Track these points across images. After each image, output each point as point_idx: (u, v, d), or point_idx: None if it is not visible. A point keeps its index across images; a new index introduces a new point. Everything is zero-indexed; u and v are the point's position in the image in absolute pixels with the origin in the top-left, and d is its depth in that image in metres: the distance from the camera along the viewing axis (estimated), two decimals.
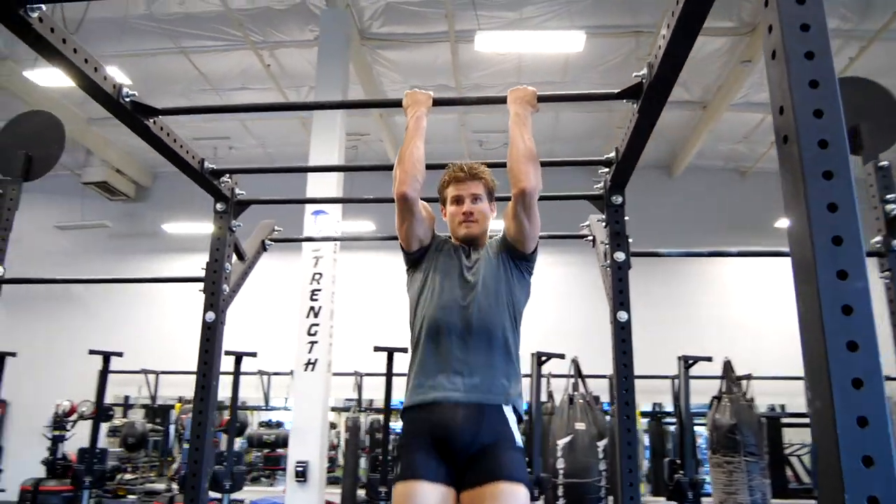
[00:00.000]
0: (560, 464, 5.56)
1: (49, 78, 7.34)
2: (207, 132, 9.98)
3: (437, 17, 7.21)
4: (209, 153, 10.50)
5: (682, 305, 9.88)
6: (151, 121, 2.02)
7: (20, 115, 2.91)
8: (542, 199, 2.83)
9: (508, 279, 2.12)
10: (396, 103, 2.12)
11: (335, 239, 4.18)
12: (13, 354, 5.98)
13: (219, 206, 2.60)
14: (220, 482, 5.59)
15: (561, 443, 5.65)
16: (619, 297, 2.37)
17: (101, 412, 5.99)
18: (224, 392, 7.64)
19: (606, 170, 2.42)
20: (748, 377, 6.63)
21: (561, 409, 5.89)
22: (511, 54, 7.67)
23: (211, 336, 2.47)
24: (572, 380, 6.13)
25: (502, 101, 2.07)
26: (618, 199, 2.45)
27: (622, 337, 2.34)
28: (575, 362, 6.18)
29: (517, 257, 2.15)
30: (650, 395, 9.13)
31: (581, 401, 5.87)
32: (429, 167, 2.55)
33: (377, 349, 5.56)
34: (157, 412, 9.62)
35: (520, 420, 2.01)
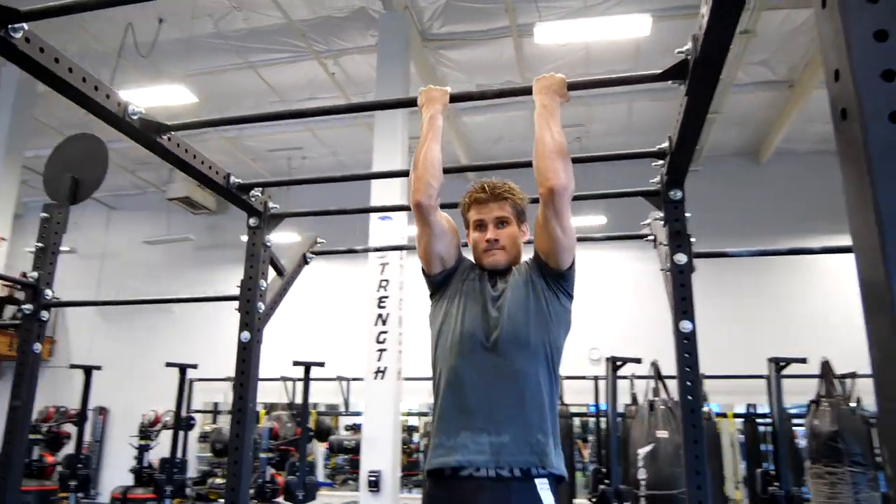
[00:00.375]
0: (641, 474, 5.22)
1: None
2: (280, 143, 10.18)
3: (497, 13, 7.02)
4: (283, 164, 10.73)
5: (779, 298, 9.19)
6: (166, 137, 1.94)
7: (67, 140, 2.93)
8: (594, 197, 2.61)
9: (540, 308, 1.80)
10: (412, 102, 1.94)
11: (376, 249, 4.06)
12: (98, 368, 6.22)
13: (251, 221, 2.50)
14: (293, 493, 5.59)
15: (642, 452, 5.31)
16: (682, 305, 2.07)
17: (180, 422, 6.13)
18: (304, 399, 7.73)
19: (661, 162, 2.14)
20: (852, 375, 6.00)
21: (641, 416, 5.53)
22: (578, 45, 7.35)
23: (247, 357, 2.37)
24: (652, 385, 5.76)
25: (528, 91, 1.85)
26: (676, 195, 2.13)
27: (686, 350, 2.04)
28: (655, 365, 5.79)
29: (551, 276, 1.83)
30: (744, 396, 8.57)
31: (662, 407, 5.49)
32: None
33: None
34: None
35: (560, 481, 1.71)
